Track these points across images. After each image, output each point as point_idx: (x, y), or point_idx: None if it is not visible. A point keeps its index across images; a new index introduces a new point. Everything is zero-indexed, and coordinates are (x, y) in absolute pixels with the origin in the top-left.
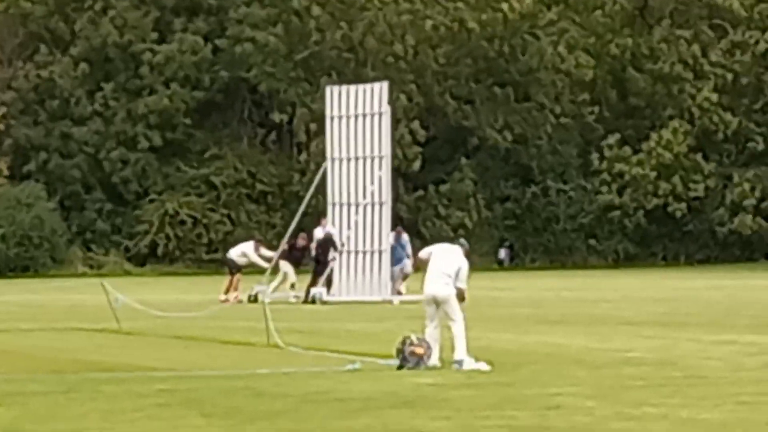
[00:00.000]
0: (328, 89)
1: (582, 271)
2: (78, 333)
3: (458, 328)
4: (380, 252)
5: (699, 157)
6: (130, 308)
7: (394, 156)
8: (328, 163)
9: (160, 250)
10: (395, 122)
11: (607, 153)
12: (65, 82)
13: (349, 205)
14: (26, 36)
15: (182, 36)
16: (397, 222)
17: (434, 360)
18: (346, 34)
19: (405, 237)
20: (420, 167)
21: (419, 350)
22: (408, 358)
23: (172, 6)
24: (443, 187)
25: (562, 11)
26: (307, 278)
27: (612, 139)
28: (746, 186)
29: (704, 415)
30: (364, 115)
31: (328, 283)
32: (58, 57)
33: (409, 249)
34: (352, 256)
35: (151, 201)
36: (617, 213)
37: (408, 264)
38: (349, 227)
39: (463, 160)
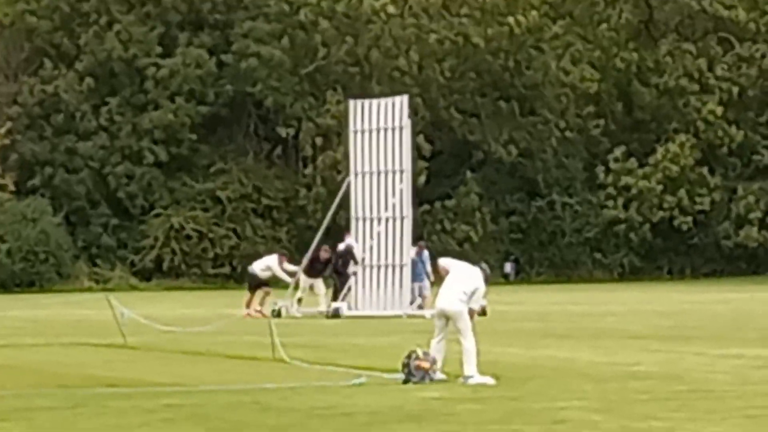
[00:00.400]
0: (351, 103)
1: (588, 284)
2: (84, 348)
3: (469, 345)
4: (401, 266)
5: (705, 170)
6: (135, 323)
7: None
8: (351, 177)
9: (165, 265)
10: None
11: (612, 166)
12: (70, 96)
13: (371, 219)
14: (31, 51)
15: (186, 50)
16: (419, 237)
17: (439, 374)
18: (352, 49)
19: (426, 253)
20: (425, 181)
21: (425, 364)
22: (414, 372)
23: (177, 21)
24: (449, 202)
25: (567, 25)
26: (330, 292)
27: (618, 152)
28: (751, 199)
29: (711, 428)
30: (386, 129)
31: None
32: (63, 72)
33: (428, 266)
34: (373, 270)
35: (157, 216)
36: (623, 227)
37: (427, 285)
38: (371, 237)
39: (469, 174)
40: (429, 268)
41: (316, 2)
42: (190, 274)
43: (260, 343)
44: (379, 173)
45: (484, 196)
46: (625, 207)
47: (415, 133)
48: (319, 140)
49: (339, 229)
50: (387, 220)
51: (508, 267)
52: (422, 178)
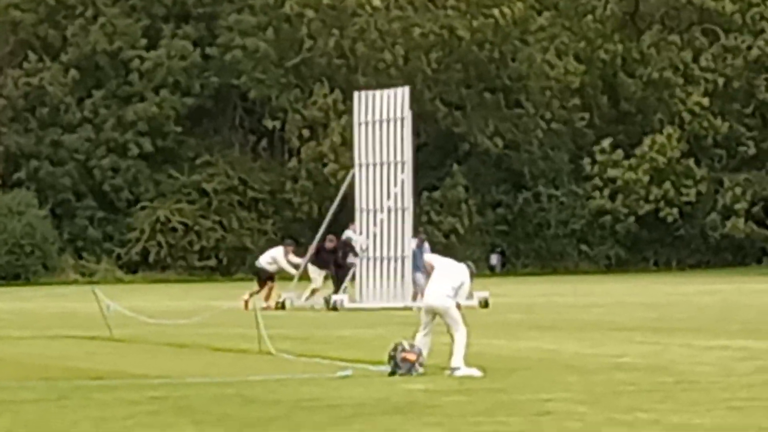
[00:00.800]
0: (356, 95)
1: (573, 276)
2: (69, 340)
3: (460, 337)
4: (402, 258)
5: (691, 162)
6: (121, 315)
7: None
8: (356, 169)
9: (151, 258)
10: None
11: (599, 158)
12: (55, 89)
13: (375, 211)
14: (16, 43)
15: (171, 42)
16: (419, 229)
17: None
18: (338, 41)
19: (426, 245)
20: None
21: (411, 356)
22: (400, 365)
23: (162, 13)
24: (435, 194)
25: (552, 17)
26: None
27: (605, 144)
28: (737, 190)
29: (696, 420)
30: (388, 121)
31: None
32: (48, 64)
33: None
34: (376, 262)
35: (143, 208)
36: (609, 218)
37: (421, 278)
38: (374, 224)
39: (455, 166)
40: None
41: None
42: (176, 266)
43: (246, 335)
44: (382, 164)
45: (470, 188)
46: (611, 199)
47: None
48: (305, 132)
49: (335, 221)
50: (389, 210)
51: (494, 259)
52: None
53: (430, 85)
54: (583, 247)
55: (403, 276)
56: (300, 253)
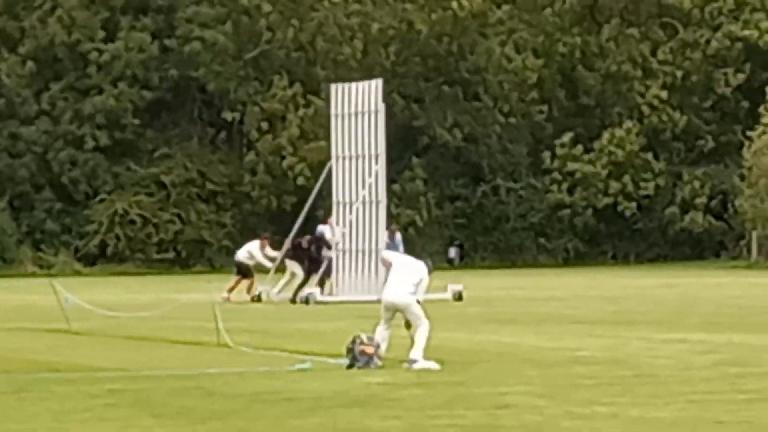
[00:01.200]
0: (333, 87)
1: (532, 269)
2: (28, 333)
3: (422, 331)
4: (376, 251)
5: (649, 155)
6: (80, 308)
7: None
8: (333, 162)
9: (110, 250)
10: None
11: (559, 152)
12: (12, 81)
13: (351, 203)
14: None
15: (129, 34)
16: (391, 221)
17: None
18: (296, 34)
19: (398, 237)
20: None
21: (369, 349)
22: (358, 357)
23: (120, 5)
24: (394, 186)
25: (511, 10)
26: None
27: (566, 138)
28: (696, 184)
29: (654, 413)
30: (362, 113)
31: (321, 283)
32: (6, 56)
33: (401, 250)
34: (350, 255)
35: (101, 201)
36: (567, 212)
37: None
38: (350, 214)
39: (414, 159)
40: (402, 250)
41: None
42: (135, 259)
43: (204, 328)
44: (357, 157)
45: (429, 181)
46: (570, 192)
47: None
48: (264, 125)
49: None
50: (363, 202)
51: (453, 252)
52: None
53: (388, 78)
54: (542, 241)
55: (376, 269)
56: (276, 246)
